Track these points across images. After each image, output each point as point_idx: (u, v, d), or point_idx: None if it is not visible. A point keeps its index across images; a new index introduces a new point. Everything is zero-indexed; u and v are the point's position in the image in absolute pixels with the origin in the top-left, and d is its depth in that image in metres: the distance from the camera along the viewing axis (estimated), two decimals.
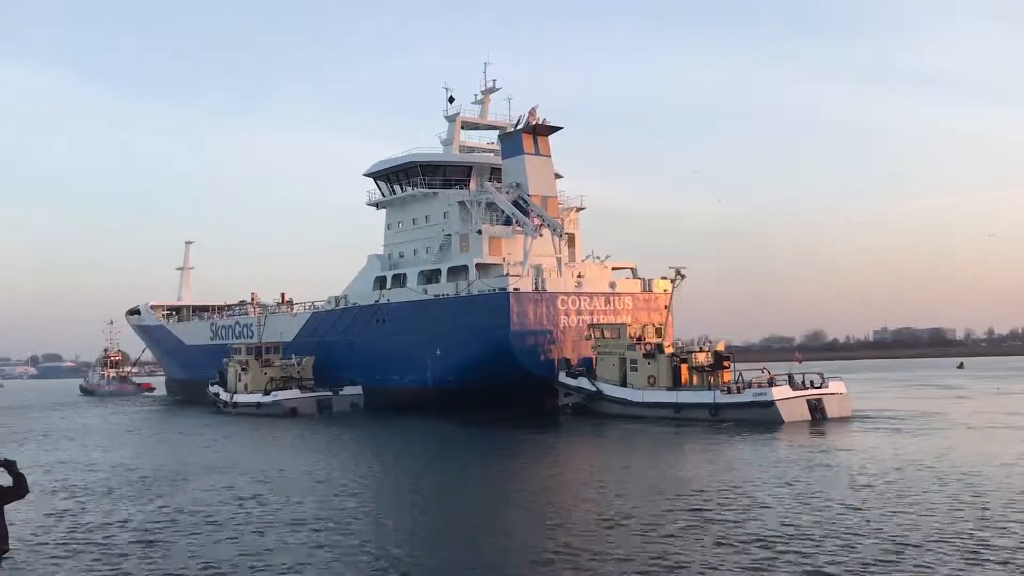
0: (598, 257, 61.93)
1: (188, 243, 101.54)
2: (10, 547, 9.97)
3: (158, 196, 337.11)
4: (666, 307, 54.09)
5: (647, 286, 59.45)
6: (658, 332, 50.19)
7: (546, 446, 37.14)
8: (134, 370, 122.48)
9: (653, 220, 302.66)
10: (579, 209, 63.92)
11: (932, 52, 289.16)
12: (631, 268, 61.71)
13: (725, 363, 47.46)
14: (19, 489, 9.65)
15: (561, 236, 55.74)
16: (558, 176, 65.78)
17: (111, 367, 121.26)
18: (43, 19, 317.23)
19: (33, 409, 76.95)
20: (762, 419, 40.41)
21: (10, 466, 9.60)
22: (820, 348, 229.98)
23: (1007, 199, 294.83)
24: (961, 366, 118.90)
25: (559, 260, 55.42)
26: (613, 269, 61.35)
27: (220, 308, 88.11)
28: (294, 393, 56.08)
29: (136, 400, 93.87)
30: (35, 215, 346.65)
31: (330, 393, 56.76)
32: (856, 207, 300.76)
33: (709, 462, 28.45)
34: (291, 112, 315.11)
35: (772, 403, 40.82)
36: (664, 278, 60.24)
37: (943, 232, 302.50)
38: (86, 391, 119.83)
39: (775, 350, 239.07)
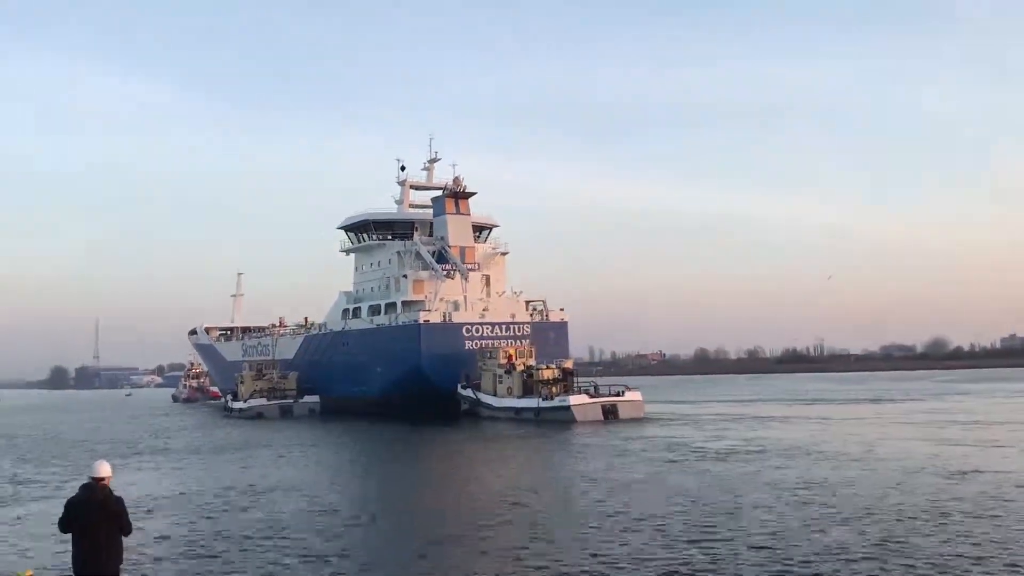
0: (516, 292, 77.21)
1: (239, 274, 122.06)
2: None
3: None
4: (525, 335, 69.54)
5: (544, 316, 74.30)
6: (522, 354, 64.75)
7: (427, 439, 50.85)
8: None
9: (755, 224, 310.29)
10: (504, 253, 79.35)
11: None
12: (542, 301, 76.64)
13: (569, 376, 61.76)
14: (127, 521, 9.64)
15: (466, 278, 71.42)
16: (493, 227, 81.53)
17: (192, 379, 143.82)
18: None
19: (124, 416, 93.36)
20: (563, 419, 54.84)
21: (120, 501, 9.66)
22: (943, 356, 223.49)
23: None
24: None
25: (465, 298, 71.10)
26: (527, 302, 76.49)
27: (258, 329, 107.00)
28: (262, 401, 73.44)
29: (199, 407, 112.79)
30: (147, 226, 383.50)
31: (291, 401, 73.88)
32: (973, 206, 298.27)
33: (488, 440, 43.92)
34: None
35: (569, 407, 55.43)
36: (562, 309, 75.49)
37: None
38: (175, 399, 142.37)
39: (895, 358, 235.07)
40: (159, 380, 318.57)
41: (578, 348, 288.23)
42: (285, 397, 75.82)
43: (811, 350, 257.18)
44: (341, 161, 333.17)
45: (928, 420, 49.19)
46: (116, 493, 9.72)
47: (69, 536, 9.59)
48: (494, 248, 79.58)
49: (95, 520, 9.33)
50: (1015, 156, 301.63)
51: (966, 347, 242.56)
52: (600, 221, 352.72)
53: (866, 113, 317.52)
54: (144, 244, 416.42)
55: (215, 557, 16.96)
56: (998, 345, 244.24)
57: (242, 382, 79.60)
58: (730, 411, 63.82)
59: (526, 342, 70.32)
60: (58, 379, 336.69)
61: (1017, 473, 25.85)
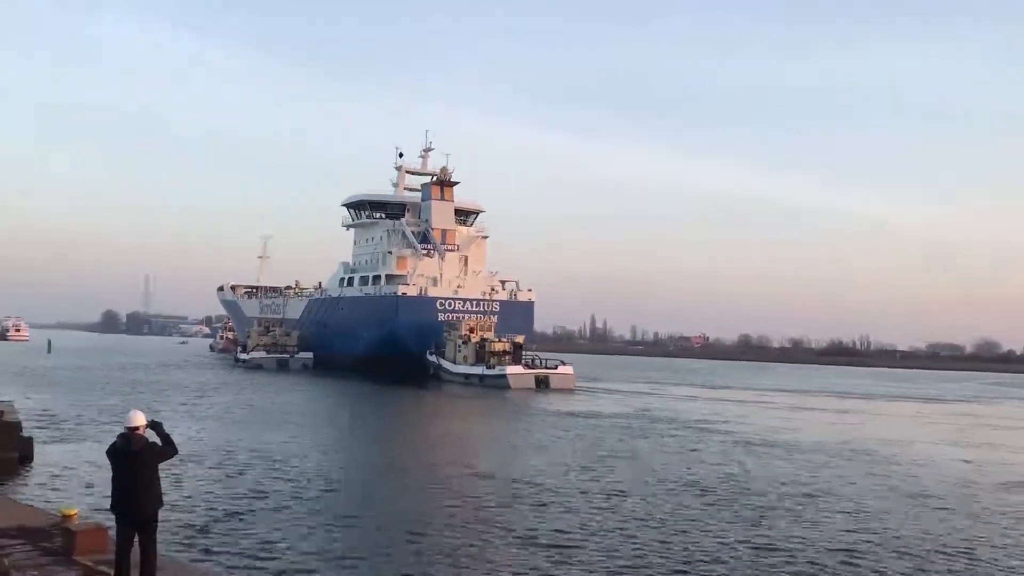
0: (493, 272, 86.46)
1: (266, 237, 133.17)
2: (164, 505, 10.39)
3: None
4: (494, 311, 78.59)
5: (513, 296, 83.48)
6: (481, 328, 73.88)
7: (397, 393, 60.83)
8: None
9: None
10: (484, 237, 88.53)
11: None
12: (515, 282, 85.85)
13: (521, 350, 70.88)
14: (168, 449, 10.08)
15: (443, 258, 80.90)
16: (479, 212, 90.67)
17: (228, 331, 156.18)
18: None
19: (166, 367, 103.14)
20: (499, 385, 64.18)
21: (158, 427, 10.09)
22: (993, 359, 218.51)
23: None
24: None
25: (441, 275, 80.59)
26: (501, 282, 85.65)
27: (274, 290, 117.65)
28: (262, 354, 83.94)
29: (228, 358, 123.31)
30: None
31: (288, 356, 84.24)
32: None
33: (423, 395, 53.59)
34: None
35: (505, 376, 64.67)
36: (530, 290, 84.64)
37: None
38: (212, 348, 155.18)
39: (943, 357, 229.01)
40: (207, 331, 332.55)
41: (620, 326, 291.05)
42: (284, 352, 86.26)
43: (856, 343, 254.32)
44: (372, 131, 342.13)
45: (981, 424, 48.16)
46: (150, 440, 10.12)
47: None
48: (477, 232, 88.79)
49: (133, 469, 9.79)
50: None
51: (1019, 351, 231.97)
52: (648, 201, 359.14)
53: (926, 100, 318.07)
54: (189, 199, 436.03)
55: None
56: None
57: (250, 336, 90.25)
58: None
59: (495, 317, 79.65)
60: (109, 323, 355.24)
61: None
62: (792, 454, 30.83)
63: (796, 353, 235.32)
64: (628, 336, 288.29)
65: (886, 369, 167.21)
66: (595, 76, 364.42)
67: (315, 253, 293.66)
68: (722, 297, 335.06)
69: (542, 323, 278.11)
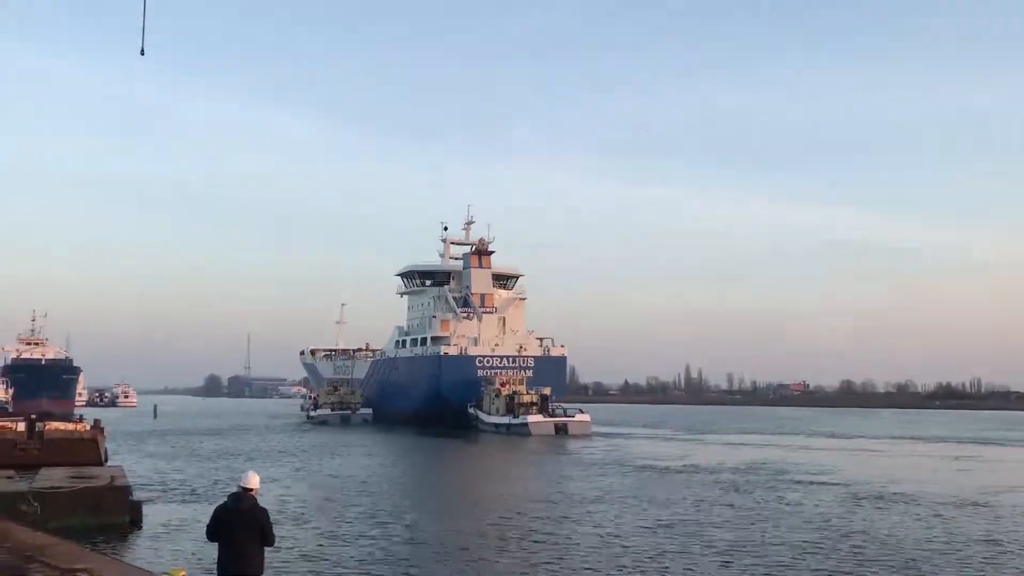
0: (530, 331, 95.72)
1: (343, 304, 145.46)
2: None
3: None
4: (529, 367, 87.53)
5: (547, 352, 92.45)
6: (513, 382, 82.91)
7: (440, 442, 70.34)
8: None
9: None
10: (522, 299, 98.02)
11: None
12: (550, 339, 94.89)
13: (547, 401, 79.66)
14: (269, 529, 10.25)
15: (480, 320, 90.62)
16: (518, 276, 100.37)
17: (311, 391, 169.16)
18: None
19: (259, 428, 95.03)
20: (521, 433, 73.05)
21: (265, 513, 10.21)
22: None
23: None
24: None
25: (478, 336, 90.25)
26: (539, 339, 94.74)
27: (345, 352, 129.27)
28: (327, 411, 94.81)
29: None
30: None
31: (350, 412, 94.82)
32: None
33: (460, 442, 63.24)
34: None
35: (527, 424, 73.49)
36: (562, 346, 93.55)
37: None
38: (302, 408, 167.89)
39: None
40: (304, 391, 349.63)
41: (716, 376, 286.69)
42: (348, 408, 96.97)
43: (967, 386, 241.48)
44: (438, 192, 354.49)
45: None
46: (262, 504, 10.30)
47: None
48: (516, 294, 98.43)
49: (240, 528, 9.99)
50: None
51: None
52: (744, 247, 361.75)
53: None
54: (280, 267, 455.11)
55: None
56: None
57: (319, 395, 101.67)
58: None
59: (529, 372, 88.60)
60: (212, 387, 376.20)
61: None
62: (935, 508, 29.07)
63: (902, 398, 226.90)
64: (724, 385, 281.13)
65: (1001, 412, 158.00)
66: (690, 125, 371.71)
67: (386, 317, 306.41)
68: (822, 342, 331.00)
69: (634, 375, 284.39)
